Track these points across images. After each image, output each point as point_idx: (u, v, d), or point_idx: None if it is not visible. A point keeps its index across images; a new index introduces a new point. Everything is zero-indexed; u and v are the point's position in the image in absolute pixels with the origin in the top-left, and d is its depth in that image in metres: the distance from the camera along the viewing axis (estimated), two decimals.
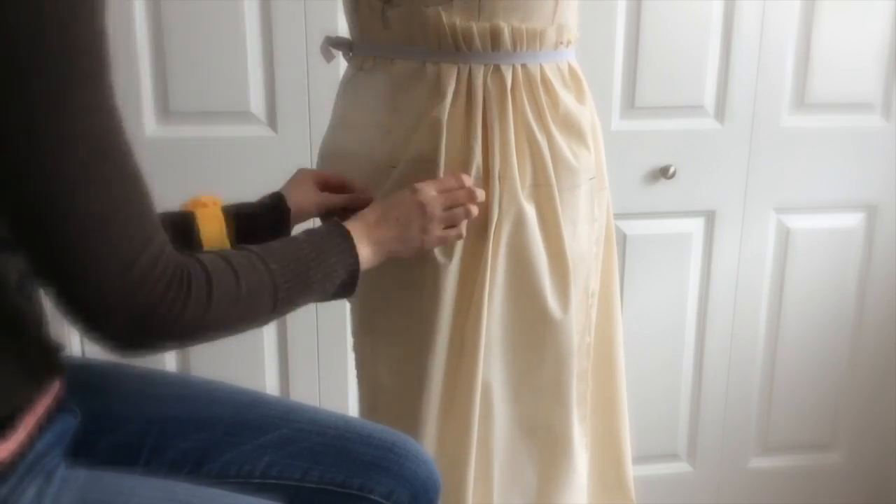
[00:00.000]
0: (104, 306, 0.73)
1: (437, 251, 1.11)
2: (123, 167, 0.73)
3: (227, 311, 0.82)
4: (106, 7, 0.70)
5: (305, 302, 0.94)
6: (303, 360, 1.83)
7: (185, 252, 0.80)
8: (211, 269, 0.81)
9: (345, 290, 1.00)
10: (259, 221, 1.11)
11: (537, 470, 1.24)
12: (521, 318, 1.16)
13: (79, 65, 0.68)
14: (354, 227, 1.01)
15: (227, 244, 1.07)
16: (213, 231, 1.06)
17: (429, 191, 1.05)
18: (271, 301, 0.88)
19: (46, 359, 0.90)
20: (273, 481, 1.00)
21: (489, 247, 1.11)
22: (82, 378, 1.00)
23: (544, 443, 1.23)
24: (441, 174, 1.09)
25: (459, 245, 1.11)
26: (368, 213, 1.04)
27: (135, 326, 0.75)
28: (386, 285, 1.17)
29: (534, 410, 1.21)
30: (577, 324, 1.19)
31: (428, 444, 1.16)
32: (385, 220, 1.03)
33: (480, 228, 1.11)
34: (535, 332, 1.17)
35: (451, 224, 1.08)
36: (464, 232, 1.09)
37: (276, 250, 0.90)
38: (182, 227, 1.04)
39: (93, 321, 0.74)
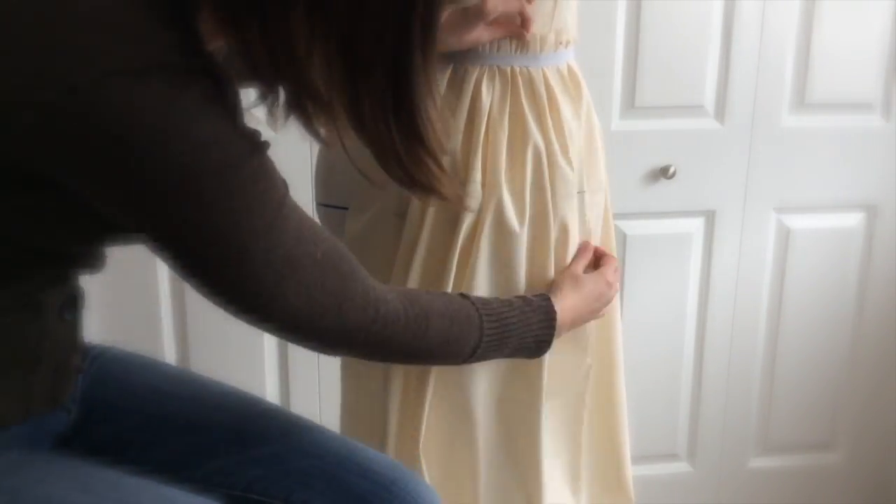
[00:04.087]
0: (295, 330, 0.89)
1: (402, 250, 1.13)
2: (314, 248, 0.84)
3: (442, 349, 0.97)
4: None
5: (491, 358, 1.04)
6: (303, 361, 1.84)
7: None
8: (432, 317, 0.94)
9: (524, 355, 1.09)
10: None
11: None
12: None
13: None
14: (560, 308, 1.09)
15: None
16: None
17: (611, 275, 1.17)
18: (471, 350, 0.99)
19: (51, 392, 0.90)
20: (255, 497, 0.98)
21: (456, 249, 1.10)
22: (99, 365, 1.00)
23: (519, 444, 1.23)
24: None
25: (424, 240, 1.11)
26: (569, 298, 1.11)
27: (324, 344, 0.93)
28: None
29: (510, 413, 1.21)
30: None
31: (391, 450, 1.15)
32: (585, 305, 1.13)
33: (452, 225, 1.11)
34: None
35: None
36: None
37: (492, 308, 1.02)
38: None
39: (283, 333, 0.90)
